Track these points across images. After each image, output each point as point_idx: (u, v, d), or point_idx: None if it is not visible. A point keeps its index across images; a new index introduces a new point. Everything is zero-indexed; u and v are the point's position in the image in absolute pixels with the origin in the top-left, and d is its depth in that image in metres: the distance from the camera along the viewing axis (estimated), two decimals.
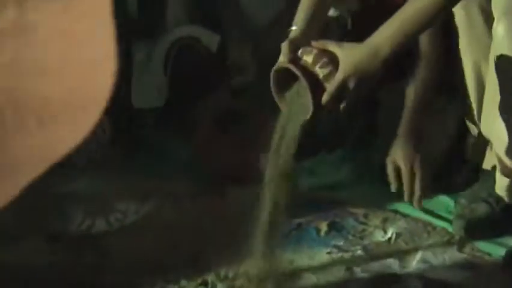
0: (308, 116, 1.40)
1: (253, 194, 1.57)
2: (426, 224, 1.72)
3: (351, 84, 1.38)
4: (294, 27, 1.48)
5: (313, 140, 1.85)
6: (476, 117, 1.74)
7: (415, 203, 1.67)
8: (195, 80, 2.15)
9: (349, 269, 1.57)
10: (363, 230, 1.70)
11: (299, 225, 1.71)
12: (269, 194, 1.43)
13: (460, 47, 1.69)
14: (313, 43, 1.43)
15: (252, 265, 1.50)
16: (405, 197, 1.67)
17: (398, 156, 1.68)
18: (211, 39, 2.22)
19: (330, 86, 1.38)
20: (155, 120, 2.23)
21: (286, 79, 1.43)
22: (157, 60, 2.25)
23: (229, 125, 1.98)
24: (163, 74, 2.23)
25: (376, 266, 1.58)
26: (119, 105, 2.09)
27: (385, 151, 1.72)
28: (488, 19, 1.59)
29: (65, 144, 0.62)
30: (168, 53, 2.21)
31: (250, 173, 1.53)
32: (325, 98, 1.38)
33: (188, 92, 2.14)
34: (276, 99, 1.45)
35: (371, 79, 1.40)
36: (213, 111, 2.04)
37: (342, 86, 1.37)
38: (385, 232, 1.70)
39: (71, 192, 1.88)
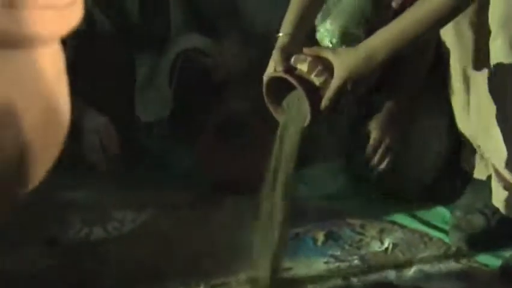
0: (306, 123, 1.40)
1: (251, 203, 1.58)
2: (422, 235, 1.73)
3: (348, 89, 1.37)
4: (281, 33, 1.47)
5: (310, 149, 1.86)
6: (465, 127, 1.75)
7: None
8: (200, 91, 2.15)
9: (346, 278, 1.57)
10: (360, 240, 1.71)
11: (296, 234, 1.71)
12: (269, 203, 1.43)
13: (450, 60, 1.70)
14: (306, 50, 1.42)
15: (252, 273, 1.51)
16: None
17: (372, 127, 1.75)
18: (215, 49, 2.23)
19: (328, 93, 1.38)
20: (156, 130, 2.24)
21: (279, 87, 1.42)
22: (162, 73, 2.25)
23: (231, 134, 1.98)
24: (167, 87, 2.24)
25: (373, 276, 1.59)
26: (124, 117, 2.10)
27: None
28: (478, 32, 1.61)
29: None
30: (173, 65, 2.21)
31: (251, 181, 1.54)
32: (323, 105, 1.38)
33: (193, 103, 2.15)
34: (270, 107, 1.45)
35: (367, 81, 1.40)
36: (214, 119, 2.04)
37: (340, 92, 1.37)
38: (382, 242, 1.70)
39: (71, 200, 1.88)
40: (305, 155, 1.49)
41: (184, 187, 1.97)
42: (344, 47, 1.67)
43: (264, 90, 1.44)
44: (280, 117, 1.45)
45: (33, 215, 1.79)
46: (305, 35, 1.52)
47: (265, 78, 1.44)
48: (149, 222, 1.81)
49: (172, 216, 1.83)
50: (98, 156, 2.02)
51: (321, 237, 1.71)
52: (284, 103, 1.44)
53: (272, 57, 1.45)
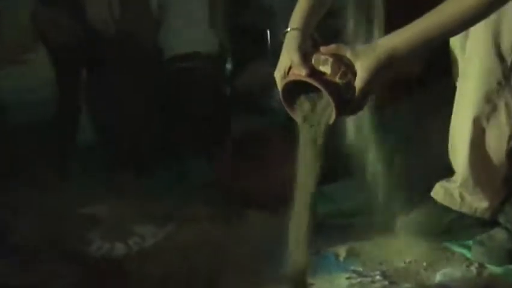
0: (330, 122, 1.39)
1: (273, 217, 1.58)
2: (444, 250, 1.73)
3: (371, 88, 1.36)
4: (290, 29, 1.43)
5: (332, 165, 1.86)
6: None
7: None
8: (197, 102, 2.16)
9: None
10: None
11: (318, 250, 1.72)
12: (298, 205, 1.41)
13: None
14: (323, 49, 1.40)
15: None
16: None
17: None
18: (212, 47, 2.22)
19: (357, 94, 1.36)
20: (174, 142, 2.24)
21: (294, 86, 1.41)
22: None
23: (251, 148, 1.99)
24: None
25: None
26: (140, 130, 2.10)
27: None
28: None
29: None
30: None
31: (271, 196, 1.53)
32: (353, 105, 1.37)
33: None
34: (286, 107, 1.43)
35: (388, 78, 1.38)
36: (234, 133, 2.05)
37: (364, 93, 1.36)
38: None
39: (91, 216, 1.89)
40: (327, 171, 1.47)
41: (204, 201, 1.97)
42: None
43: (280, 91, 1.42)
44: (297, 117, 1.43)
45: (54, 230, 1.80)
46: (313, 29, 1.49)
47: (280, 78, 1.42)
48: (170, 237, 1.82)
49: (194, 229, 1.83)
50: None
51: (342, 252, 1.72)
52: (302, 103, 1.42)
53: (283, 53, 1.43)
